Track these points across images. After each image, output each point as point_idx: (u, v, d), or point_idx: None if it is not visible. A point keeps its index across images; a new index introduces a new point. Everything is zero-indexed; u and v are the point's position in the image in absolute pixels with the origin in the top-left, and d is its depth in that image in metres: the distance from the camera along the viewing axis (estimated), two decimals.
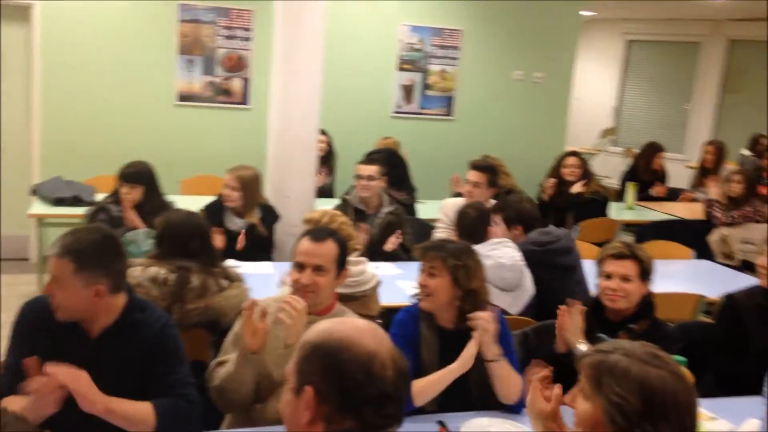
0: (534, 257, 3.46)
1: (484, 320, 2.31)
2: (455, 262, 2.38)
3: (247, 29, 6.37)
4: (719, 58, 10.21)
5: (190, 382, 2.08)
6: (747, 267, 4.79)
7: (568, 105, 7.59)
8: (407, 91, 7.03)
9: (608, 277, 2.59)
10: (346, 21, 6.57)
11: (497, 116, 7.28)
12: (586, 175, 5.40)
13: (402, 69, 6.97)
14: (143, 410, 1.96)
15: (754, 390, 2.40)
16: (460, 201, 4.24)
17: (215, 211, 3.98)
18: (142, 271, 2.66)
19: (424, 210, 5.19)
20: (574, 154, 5.56)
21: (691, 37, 10.40)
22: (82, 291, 1.94)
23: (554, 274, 3.48)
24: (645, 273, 2.57)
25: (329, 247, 2.30)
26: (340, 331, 1.30)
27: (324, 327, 1.32)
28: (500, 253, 3.21)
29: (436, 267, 2.38)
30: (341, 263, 2.33)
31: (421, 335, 2.39)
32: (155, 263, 2.70)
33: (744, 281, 3.60)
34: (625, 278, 2.56)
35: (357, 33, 6.72)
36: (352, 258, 2.72)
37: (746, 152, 8.15)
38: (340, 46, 6.46)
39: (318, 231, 2.41)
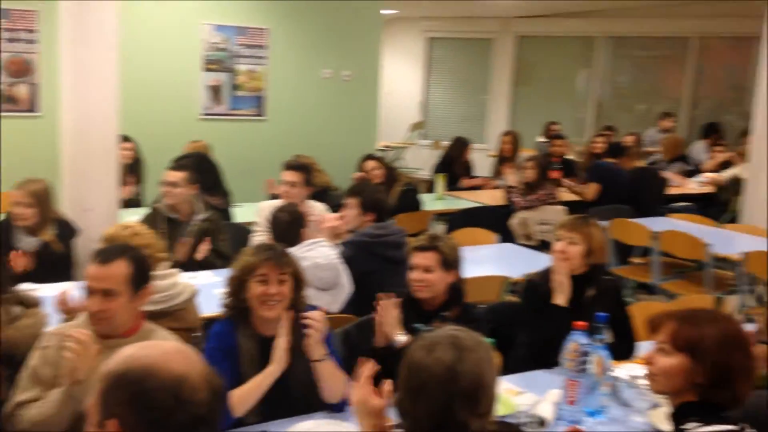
0: (365, 248, 3.53)
1: (315, 320, 2.30)
2: (298, 264, 2.40)
3: (31, 31, 5.86)
4: (510, 53, 11.02)
5: None
6: (545, 246, 5.20)
7: (378, 101, 7.79)
8: (215, 91, 6.84)
9: (413, 268, 2.69)
10: (143, 21, 6.27)
11: (309, 115, 7.31)
12: (390, 173, 5.56)
13: (208, 69, 6.77)
14: None
15: (556, 363, 2.60)
16: (277, 203, 4.20)
17: (2, 231, 3.61)
18: None
19: (241, 214, 5.08)
20: (371, 157, 5.69)
21: (484, 33, 11.12)
22: None
23: (383, 266, 3.59)
24: (447, 263, 2.68)
25: (118, 268, 2.12)
26: (146, 356, 1.22)
27: (127, 354, 1.24)
28: (316, 254, 3.22)
29: (287, 273, 2.35)
30: (138, 282, 2.16)
31: (240, 346, 2.32)
32: None
33: (542, 260, 3.89)
34: (427, 269, 2.65)
35: (156, 33, 6.44)
36: (160, 271, 2.59)
37: (542, 139, 8.87)
38: (139, 47, 6.16)
39: (105, 251, 2.22)
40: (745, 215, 5.95)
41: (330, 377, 2.31)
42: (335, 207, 4.53)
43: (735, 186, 6.36)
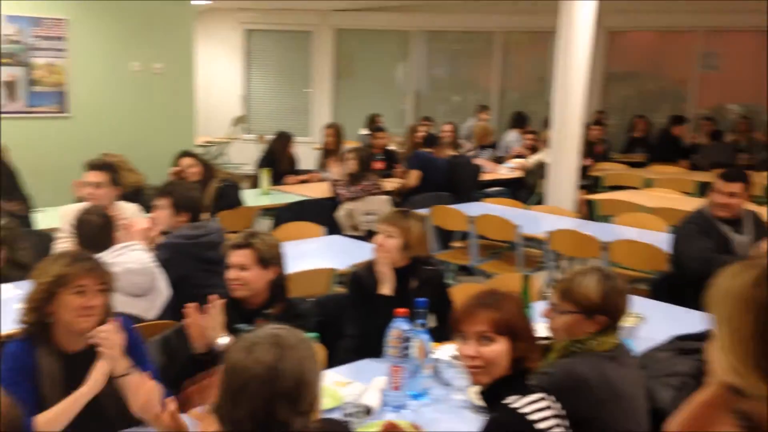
0: (181, 250, 3.39)
1: (105, 334, 2.14)
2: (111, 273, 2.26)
3: None
4: (329, 46, 11.10)
5: None
6: (371, 236, 5.28)
7: (193, 95, 7.51)
8: (9, 87, 6.24)
9: (230, 267, 2.61)
10: None
11: (118, 110, 6.89)
12: (208, 170, 5.37)
13: (1, 64, 6.15)
14: None
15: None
16: (81, 206, 3.89)
17: None
18: None
19: (44, 219, 4.67)
20: (187, 153, 5.46)
21: (303, 26, 11.10)
22: None
23: (201, 267, 3.44)
24: (264, 259, 2.62)
25: None
26: None
27: None
28: (127, 258, 3.02)
29: (107, 282, 2.20)
30: None
31: (41, 366, 2.11)
32: None
33: (369, 250, 3.93)
34: (243, 267, 2.59)
35: None
36: None
37: (365, 131, 9.03)
38: None
39: None
40: (550, 197, 6.44)
41: (138, 391, 2.16)
42: (149, 207, 4.30)
43: (540, 170, 6.85)
